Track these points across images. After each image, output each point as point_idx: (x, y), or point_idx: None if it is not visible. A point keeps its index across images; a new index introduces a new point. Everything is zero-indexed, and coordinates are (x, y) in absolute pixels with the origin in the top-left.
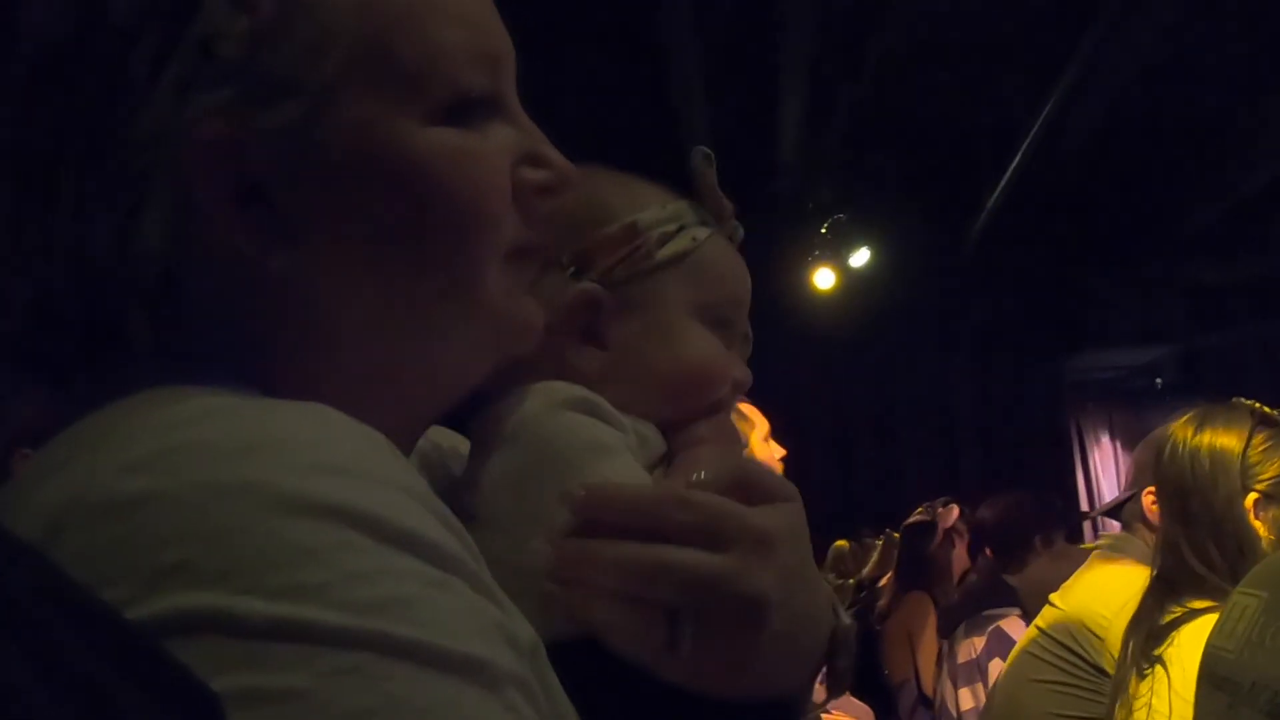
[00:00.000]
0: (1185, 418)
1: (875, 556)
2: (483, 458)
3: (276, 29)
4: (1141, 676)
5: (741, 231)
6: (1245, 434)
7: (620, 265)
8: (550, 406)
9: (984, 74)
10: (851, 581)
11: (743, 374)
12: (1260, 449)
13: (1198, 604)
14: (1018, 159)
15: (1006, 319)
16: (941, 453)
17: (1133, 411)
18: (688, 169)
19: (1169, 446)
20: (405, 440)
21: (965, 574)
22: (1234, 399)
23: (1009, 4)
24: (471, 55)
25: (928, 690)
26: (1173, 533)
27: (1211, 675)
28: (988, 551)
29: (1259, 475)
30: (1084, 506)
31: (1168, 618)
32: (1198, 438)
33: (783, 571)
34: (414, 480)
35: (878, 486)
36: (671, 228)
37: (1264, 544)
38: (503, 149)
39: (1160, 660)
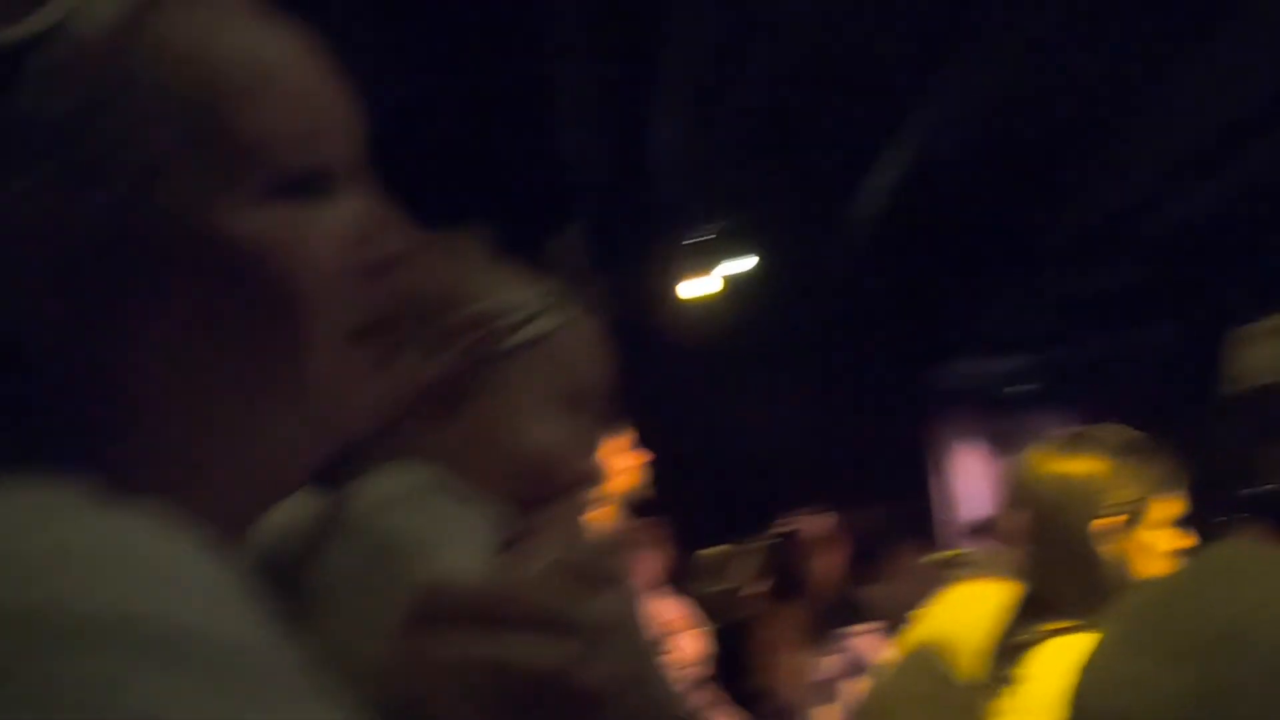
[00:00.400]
0: (1042, 444)
1: (744, 564)
2: (329, 543)
3: (95, 108)
4: (995, 695)
5: (604, 324)
6: (1103, 460)
7: (477, 347)
8: (394, 496)
9: (858, 89)
10: (720, 589)
11: (590, 468)
12: (1115, 476)
13: (1055, 625)
14: (892, 169)
15: (877, 328)
16: (813, 462)
17: (990, 421)
18: (558, 247)
19: (1029, 470)
20: (240, 526)
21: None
22: (1099, 424)
23: (883, 22)
24: (303, 131)
25: (787, 701)
26: (1029, 557)
27: (1079, 713)
28: (843, 566)
29: (1114, 500)
30: (942, 517)
31: (1026, 637)
32: (1057, 462)
33: (621, 663)
34: (223, 581)
35: (751, 496)
36: (529, 312)
37: (1118, 568)
38: (333, 228)
39: (1017, 679)
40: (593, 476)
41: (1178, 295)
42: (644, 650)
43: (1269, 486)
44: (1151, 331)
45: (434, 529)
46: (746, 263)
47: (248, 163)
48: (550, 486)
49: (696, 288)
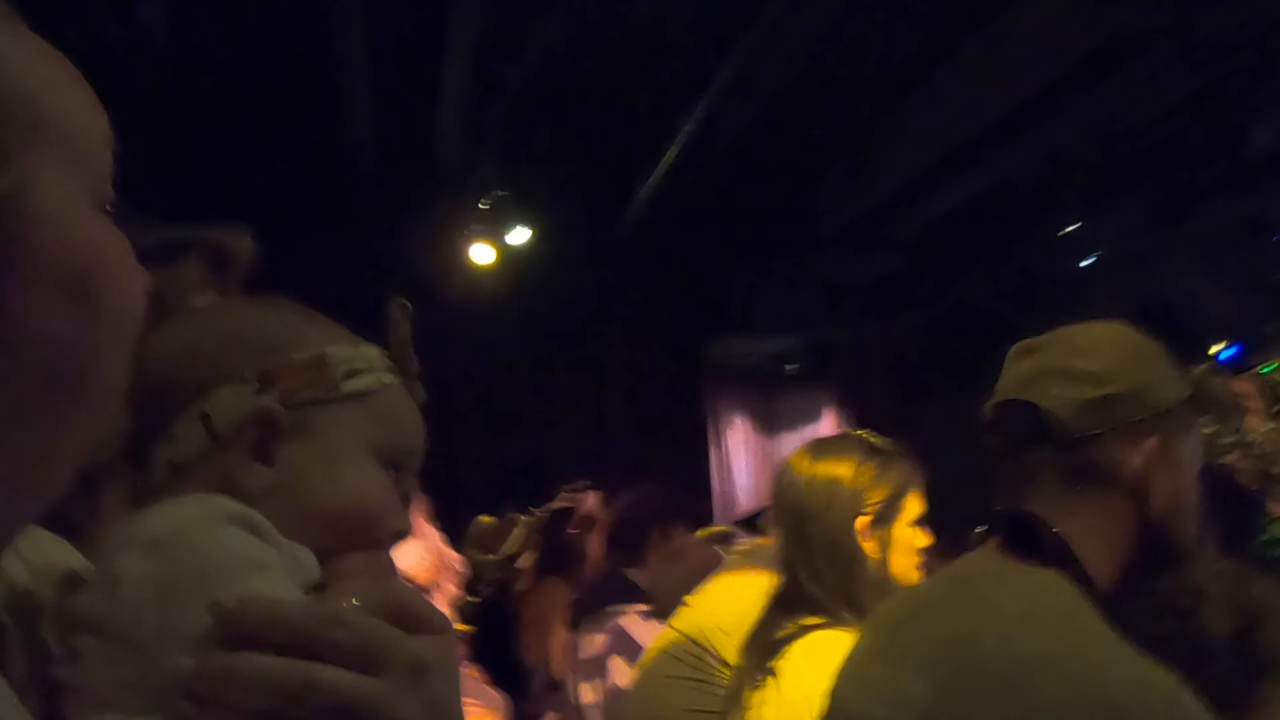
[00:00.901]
0: (801, 448)
1: (516, 534)
2: (121, 565)
3: None
4: (755, 686)
5: (423, 394)
6: (855, 462)
7: (304, 389)
8: (207, 518)
9: (645, 65)
10: (491, 558)
11: (402, 524)
12: (868, 476)
13: (811, 621)
14: (673, 149)
15: (655, 304)
16: (590, 436)
17: (765, 398)
18: (384, 317)
19: (786, 474)
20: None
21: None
22: (845, 431)
23: (668, 3)
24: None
25: (557, 675)
26: (789, 555)
27: (835, 715)
28: (609, 545)
29: (867, 500)
30: (717, 492)
31: (782, 633)
32: (813, 466)
33: (431, 702)
34: None
35: (527, 466)
36: (359, 365)
37: (873, 564)
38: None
39: (772, 672)
40: (402, 537)
41: (934, 286)
42: (455, 693)
43: (1002, 507)
44: (910, 319)
45: (251, 551)
46: (523, 234)
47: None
48: (359, 535)
49: (474, 256)
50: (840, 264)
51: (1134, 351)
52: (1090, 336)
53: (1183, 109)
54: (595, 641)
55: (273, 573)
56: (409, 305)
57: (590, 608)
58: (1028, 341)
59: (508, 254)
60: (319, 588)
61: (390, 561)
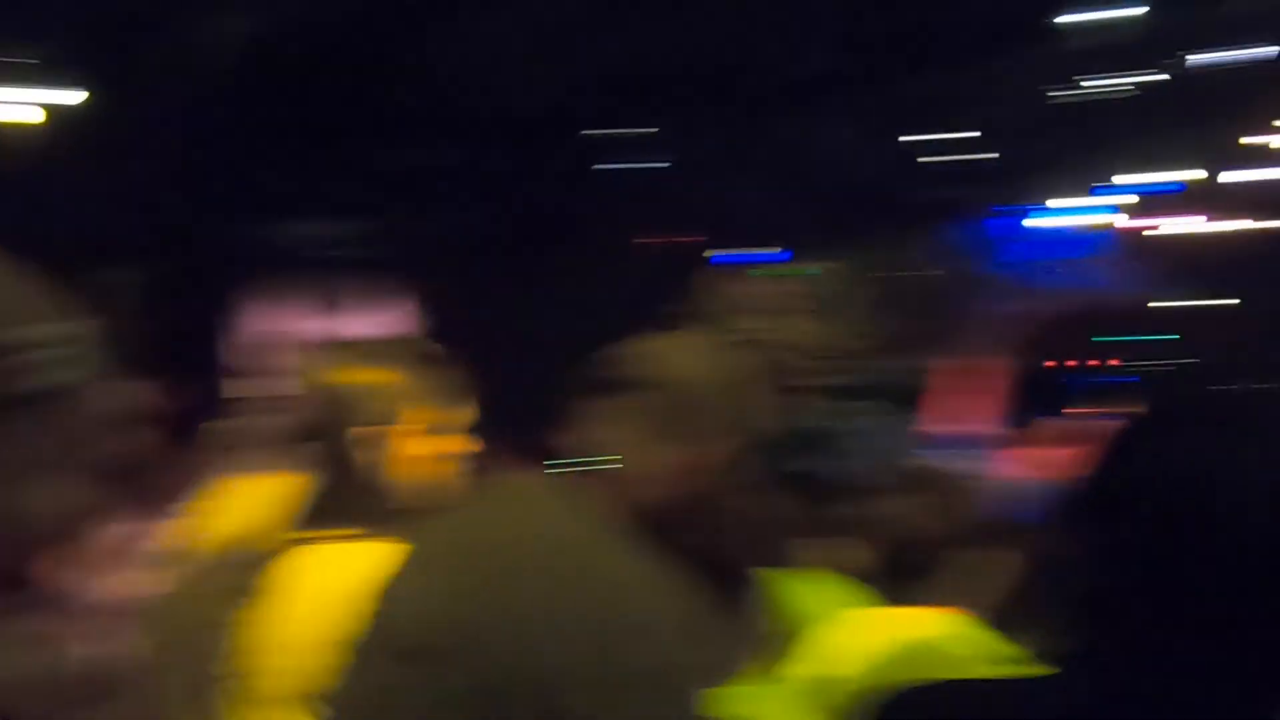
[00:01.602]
0: (343, 348)
1: None
2: None
3: None
4: (274, 593)
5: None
6: (398, 367)
7: None
8: None
9: None
10: None
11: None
12: (412, 382)
13: (332, 530)
14: (239, 25)
15: (210, 181)
16: (133, 328)
17: (318, 288)
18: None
19: (320, 375)
20: None
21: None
22: (393, 334)
23: None
24: None
25: (67, 580)
26: (311, 456)
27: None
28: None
29: (409, 408)
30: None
31: (304, 537)
32: (352, 369)
33: None
34: None
35: None
36: (48, 356)
37: (409, 474)
38: None
39: (289, 579)
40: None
41: (496, 182)
42: None
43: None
44: (469, 214)
45: None
46: (76, 95)
47: None
48: (18, 561)
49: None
50: (400, 153)
51: None
52: None
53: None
54: (114, 539)
55: None
56: (135, 277)
57: (115, 506)
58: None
59: (53, 114)
60: None
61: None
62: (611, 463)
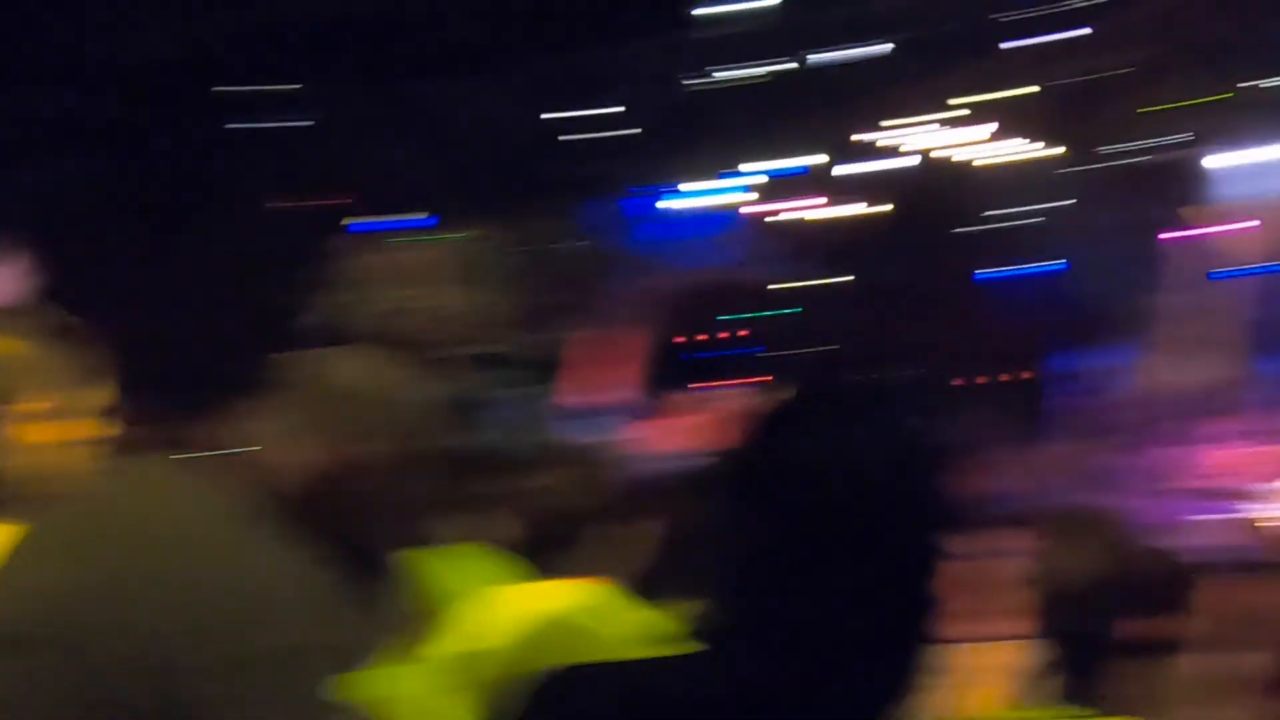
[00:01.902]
0: None
1: None
2: None
3: None
4: None
5: None
6: (21, 340)
7: None
8: None
9: None
10: None
11: None
12: (36, 357)
13: None
14: None
15: None
16: None
17: None
18: None
19: None
20: None
21: None
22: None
23: None
24: None
25: None
26: None
27: None
28: None
29: (32, 385)
30: None
31: None
32: None
33: None
34: None
35: None
36: None
37: (33, 455)
38: None
39: None
40: None
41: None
42: None
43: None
44: (85, 168)
45: None
46: None
47: None
48: None
49: None
50: (34, 99)
51: None
52: None
53: None
54: None
55: None
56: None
57: None
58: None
59: None
60: None
61: None
62: (253, 452)
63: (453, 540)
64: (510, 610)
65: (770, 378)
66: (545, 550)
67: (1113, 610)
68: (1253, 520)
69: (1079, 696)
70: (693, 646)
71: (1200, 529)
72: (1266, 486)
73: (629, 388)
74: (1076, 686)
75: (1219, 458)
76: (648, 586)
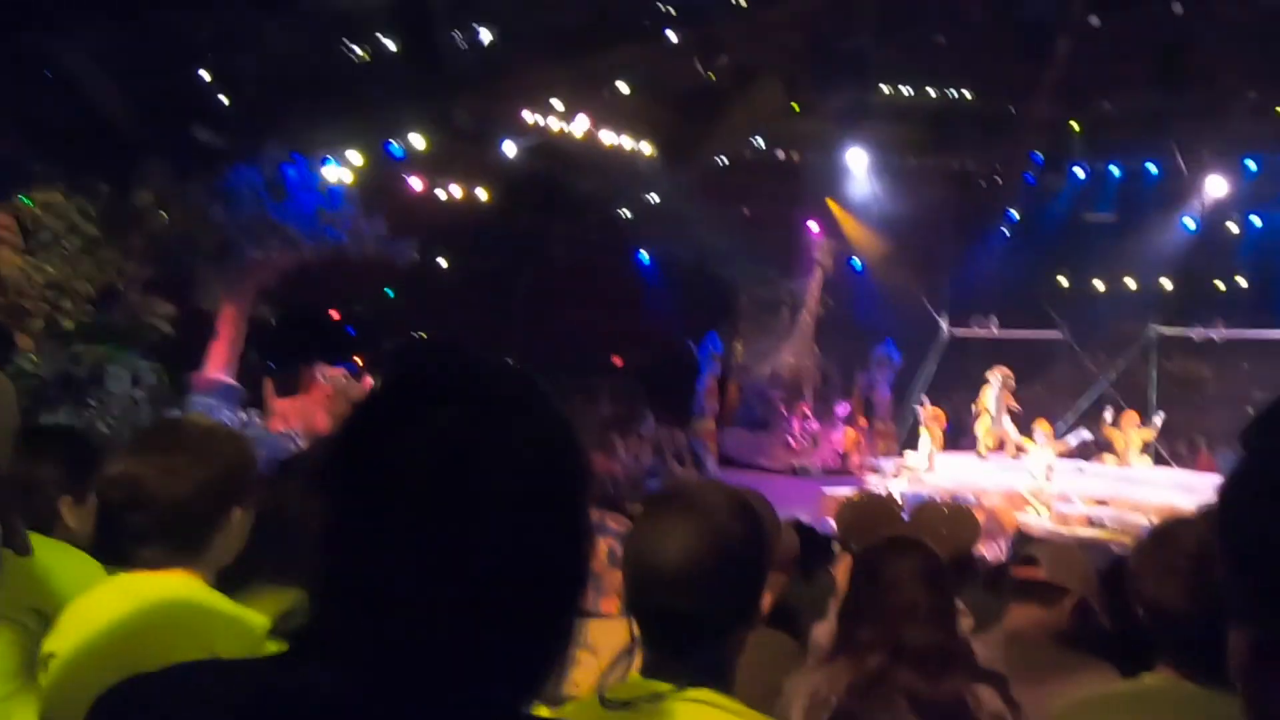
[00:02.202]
0: None
1: None
2: None
3: None
4: None
5: None
6: None
7: None
8: None
9: None
10: None
11: None
12: None
13: None
14: None
15: None
16: None
17: None
18: None
19: None
20: None
21: None
22: None
23: None
24: None
25: None
26: None
27: None
28: None
29: None
30: None
31: None
32: None
33: None
34: None
35: None
36: None
37: None
38: None
39: None
40: None
41: None
42: None
43: None
44: None
45: None
46: None
47: None
48: None
49: None
50: None
51: None
52: None
53: None
54: None
55: None
56: None
57: None
58: None
59: None
60: None
61: None
62: None
63: (40, 531)
64: (80, 612)
65: (376, 360)
66: (135, 541)
67: (711, 587)
68: (870, 495)
69: (666, 672)
70: (295, 642)
71: (819, 504)
72: (881, 463)
73: (230, 367)
74: (663, 663)
75: (839, 437)
76: (243, 578)
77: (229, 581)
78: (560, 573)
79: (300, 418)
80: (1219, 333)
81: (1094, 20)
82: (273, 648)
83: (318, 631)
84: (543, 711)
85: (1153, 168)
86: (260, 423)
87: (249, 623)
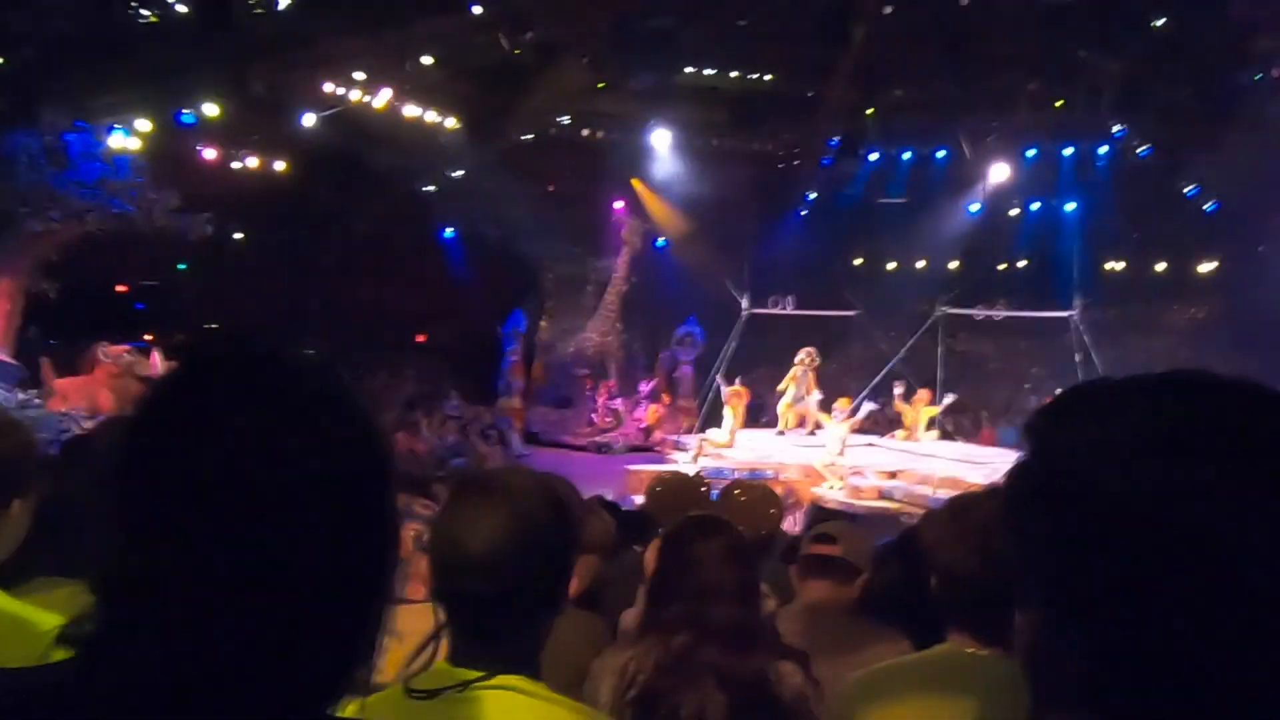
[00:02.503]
0: None
1: None
2: None
3: None
4: None
5: None
6: None
7: None
8: None
9: None
10: None
11: None
12: None
13: None
14: None
15: None
16: None
17: None
18: None
19: None
20: None
21: None
22: None
23: None
24: None
25: None
26: None
27: None
28: None
29: None
30: None
31: None
32: None
33: None
34: None
35: None
36: None
37: None
38: None
39: None
40: None
41: None
42: None
43: None
44: None
45: None
46: None
47: None
48: None
49: None
50: None
51: None
52: None
53: None
54: None
55: None
56: None
57: None
58: None
59: None
60: None
61: None
62: None
63: None
64: None
65: (166, 339)
66: None
67: (518, 572)
68: (678, 475)
69: (474, 658)
70: (68, 651)
71: (624, 480)
72: (684, 439)
73: (7, 344)
74: (471, 649)
75: (642, 414)
76: (25, 573)
77: (8, 577)
78: (364, 565)
79: (83, 397)
80: (1000, 312)
81: (886, 9)
82: (60, 655)
83: (107, 634)
84: (348, 710)
85: (941, 154)
86: (40, 402)
87: (33, 622)
